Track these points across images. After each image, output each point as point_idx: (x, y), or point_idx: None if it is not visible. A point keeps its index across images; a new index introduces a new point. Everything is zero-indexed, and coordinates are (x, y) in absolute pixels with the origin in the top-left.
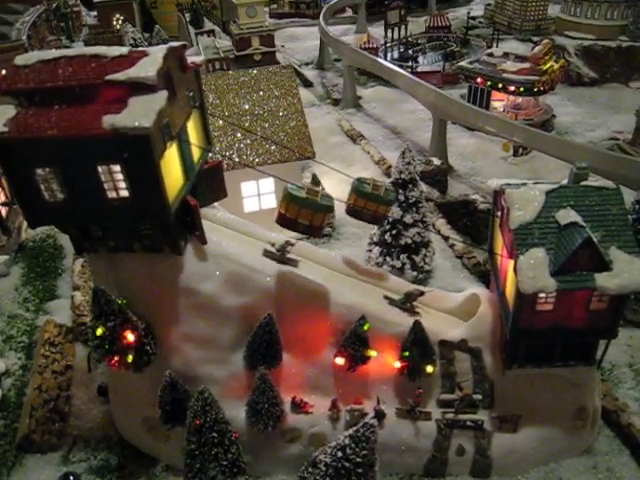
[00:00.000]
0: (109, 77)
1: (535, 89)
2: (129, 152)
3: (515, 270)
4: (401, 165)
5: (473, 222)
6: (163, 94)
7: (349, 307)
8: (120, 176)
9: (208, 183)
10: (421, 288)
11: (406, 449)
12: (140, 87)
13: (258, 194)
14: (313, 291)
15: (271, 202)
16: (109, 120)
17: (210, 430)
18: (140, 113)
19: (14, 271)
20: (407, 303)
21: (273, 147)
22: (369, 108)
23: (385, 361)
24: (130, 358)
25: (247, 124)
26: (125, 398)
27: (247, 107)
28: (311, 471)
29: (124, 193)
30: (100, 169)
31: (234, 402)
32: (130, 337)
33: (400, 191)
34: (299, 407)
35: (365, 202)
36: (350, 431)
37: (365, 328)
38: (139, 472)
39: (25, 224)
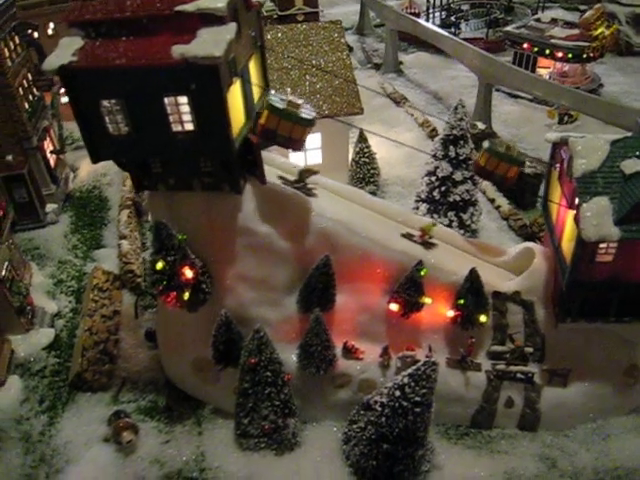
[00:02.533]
0: (178, 8)
1: (584, 55)
2: (197, 83)
3: (576, 219)
4: (453, 121)
5: (518, 186)
6: (232, 26)
7: (403, 253)
8: (186, 108)
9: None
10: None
11: (455, 399)
12: (209, 19)
13: (304, 149)
14: (368, 237)
15: (317, 158)
16: (178, 50)
17: (264, 369)
18: (210, 43)
19: (62, 219)
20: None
21: (321, 102)
22: (410, 74)
23: (437, 310)
24: (186, 295)
25: (295, 78)
26: (175, 340)
27: (296, 62)
28: (363, 413)
29: (189, 126)
30: (166, 101)
31: (286, 345)
32: (188, 273)
33: (451, 147)
34: (350, 353)
35: (497, 163)
36: (410, 370)
37: (422, 273)
38: (187, 414)
39: (72, 175)
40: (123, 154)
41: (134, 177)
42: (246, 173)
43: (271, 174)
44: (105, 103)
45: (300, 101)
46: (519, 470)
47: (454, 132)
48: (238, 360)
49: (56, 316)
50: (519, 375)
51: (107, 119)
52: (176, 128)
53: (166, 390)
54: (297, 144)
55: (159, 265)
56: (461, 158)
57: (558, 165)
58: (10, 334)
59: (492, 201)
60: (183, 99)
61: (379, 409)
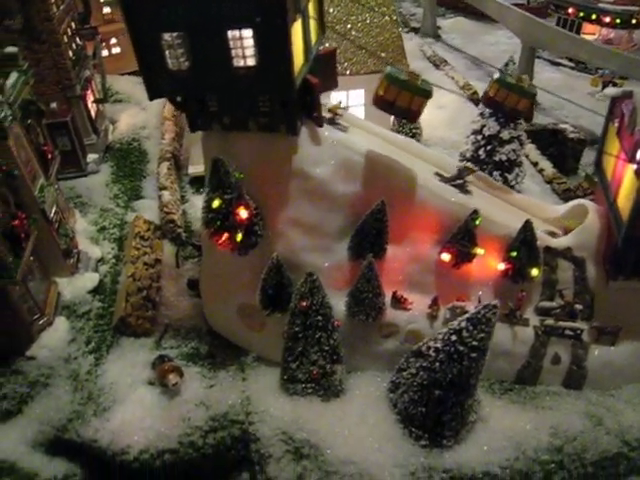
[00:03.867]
0: None
1: (633, 21)
2: (262, 16)
3: (638, 172)
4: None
5: (560, 151)
6: None
7: (458, 204)
8: (249, 42)
9: (321, 70)
10: (471, 166)
11: (501, 353)
12: None
13: (347, 106)
14: (423, 185)
15: (360, 115)
16: None
17: (316, 313)
18: None
19: (103, 169)
20: (459, 179)
21: (367, 57)
22: (448, 39)
23: (487, 263)
24: (239, 237)
25: (341, 33)
26: (220, 287)
27: (341, 15)
28: (414, 360)
29: (251, 62)
30: (230, 35)
31: (335, 293)
32: (243, 214)
33: None
34: (399, 302)
35: (507, 94)
36: (468, 314)
37: (477, 223)
38: (230, 361)
39: (111, 128)
40: (181, 91)
41: (189, 116)
42: (303, 115)
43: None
44: (166, 37)
45: (418, 73)
46: (564, 426)
47: None
48: (286, 306)
49: (99, 262)
50: (567, 332)
51: (167, 53)
52: (238, 63)
53: (208, 338)
54: (415, 115)
55: (216, 203)
56: None
57: (617, 120)
58: (57, 276)
59: (535, 164)
60: (247, 33)
61: (433, 354)
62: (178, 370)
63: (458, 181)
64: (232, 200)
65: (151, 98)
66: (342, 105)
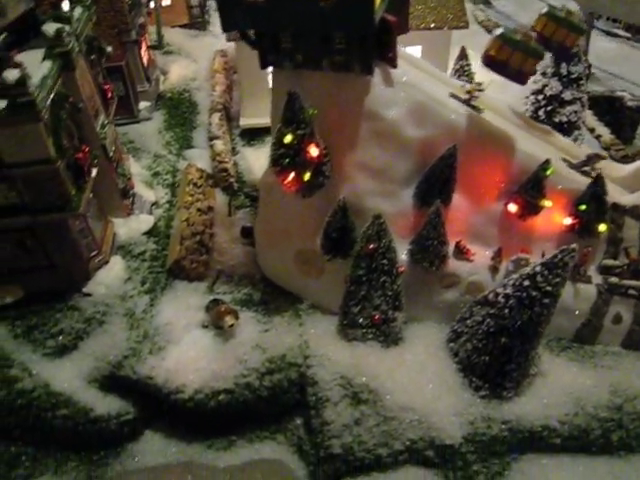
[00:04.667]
0: None
1: None
2: None
3: None
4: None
5: (617, 119)
6: None
7: (529, 155)
8: None
9: (396, 12)
10: (602, 152)
11: (562, 310)
12: None
13: None
14: (495, 134)
15: None
16: None
17: (382, 256)
18: None
19: (155, 117)
20: (586, 166)
21: (427, 12)
22: (499, 5)
23: (552, 217)
24: (307, 176)
25: None
26: (276, 232)
27: None
28: (480, 308)
29: None
30: None
31: (398, 240)
32: (314, 152)
33: (563, 65)
34: (462, 253)
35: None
36: (544, 259)
37: (547, 173)
38: (284, 307)
39: (162, 78)
40: (255, 25)
41: (261, 52)
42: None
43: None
44: None
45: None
46: (624, 385)
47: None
48: (348, 251)
49: (154, 205)
50: (631, 291)
51: None
52: None
53: (261, 285)
54: (526, 77)
55: (288, 138)
56: (573, 76)
57: None
58: (113, 216)
59: (592, 130)
60: None
61: (502, 300)
62: (234, 312)
63: (585, 168)
64: (304, 136)
65: (225, 30)
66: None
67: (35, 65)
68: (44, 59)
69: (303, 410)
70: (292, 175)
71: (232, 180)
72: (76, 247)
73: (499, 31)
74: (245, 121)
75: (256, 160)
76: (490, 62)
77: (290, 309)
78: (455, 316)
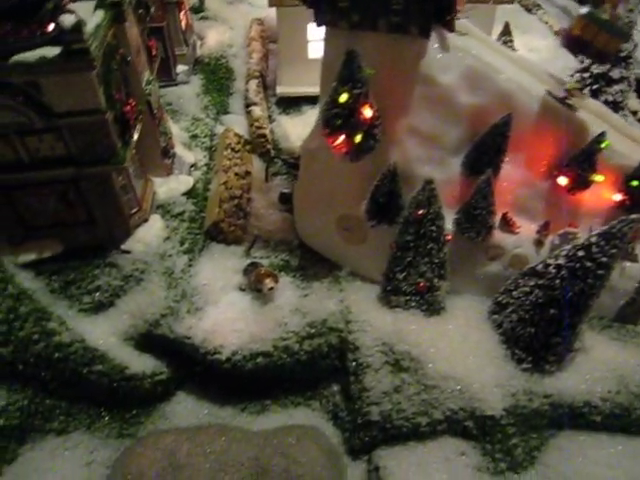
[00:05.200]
0: None
1: None
2: None
3: None
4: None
5: None
6: None
7: (580, 127)
8: None
9: None
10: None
11: (605, 288)
12: None
13: None
14: (548, 104)
15: None
16: None
17: (431, 223)
18: None
19: (193, 81)
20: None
21: None
22: None
23: (601, 193)
24: (358, 138)
25: None
26: (318, 198)
27: None
28: (526, 279)
29: None
30: None
31: (444, 209)
32: (368, 113)
33: None
34: (507, 225)
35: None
36: (601, 230)
37: (602, 146)
38: (323, 274)
39: (199, 43)
40: None
41: (316, 11)
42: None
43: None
44: None
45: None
46: None
47: (619, 24)
48: (394, 218)
49: (192, 167)
50: None
51: None
52: None
53: (299, 251)
54: (607, 58)
55: (343, 97)
56: (623, 54)
57: None
58: (153, 175)
59: (634, 113)
60: None
61: (553, 271)
62: (274, 276)
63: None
64: (360, 96)
65: None
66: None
67: (87, 15)
68: (96, 9)
69: (341, 377)
70: (342, 137)
71: (269, 147)
72: (118, 202)
73: (585, 10)
74: (282, 89)
75: (293, 128)
76: (572, 42)
77: (329, 276)
78: (495, 290)
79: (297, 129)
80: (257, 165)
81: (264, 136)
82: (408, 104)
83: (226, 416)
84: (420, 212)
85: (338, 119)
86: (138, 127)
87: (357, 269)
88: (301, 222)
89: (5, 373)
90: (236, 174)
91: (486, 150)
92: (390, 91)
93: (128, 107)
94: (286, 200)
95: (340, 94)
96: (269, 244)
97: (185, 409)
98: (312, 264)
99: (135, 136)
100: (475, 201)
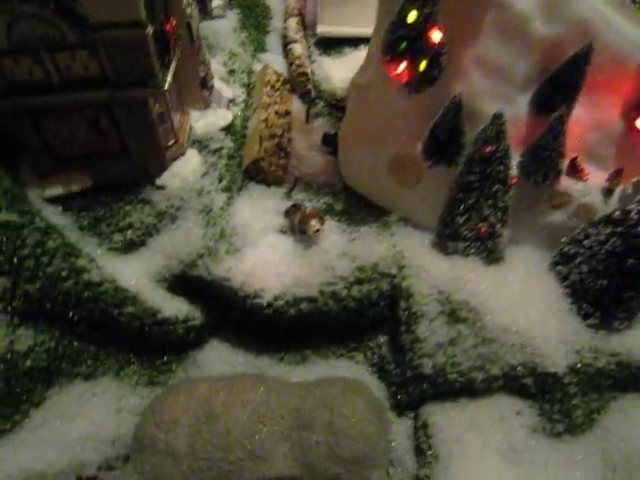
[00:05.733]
0: None
1: None
2: None
3: None
4: None
5: None
6: None
7: None
8: None
9: None
10: None
11: None
12: None
13: None
14: (630, 40)
15: None
16: None
17: (498, 162)
18: None
19: (229, 16)
20: None
21: None
22: None
23: None
24: (423, 65)
25: None
26: (367, 137)
27: None
28: (594, 231)
29: None
30: None
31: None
32: (436, 36)
33: None
34: (576, 171)
35: None
36: None
37: None
38: (370, 218)
39: None
40: None
41: None
42: None
43: None
44: None
45: None
46: None
47: None
48: (454, 157)
49: (231, 102)
50: None
51: None
52: None
53: (343, 195)
54: None
55: (412, 16)
56: None
57: None
58: (191, 107)
59: None
60: None
61: (635, 217)
62: (320, 217)
63: None
64: (430, 16)
65: None
66: None
67: None
68: None
69: (389, 327)
70: (404, 64)
71: (310, 87)
72: (154, 132)
73: None
74: (323, 28)
75: (334, 70)
76: None
77: (378, 221)
78: (556, 241)
79: (339, 71)
80: (297, 106)
81: (305, 74)
82: (477, 30)
83: (262, 366)
84: (488, 149)
85: (403, 42)
86: (177, 52)
87: (408, 214)
88: (347, 164)
89: (32, 312)
90: (276, 112)
91: (560, 85)
92: (459, 14)
93: (168, 26)
94: (330, 142)
95: (409, 12)
96: (311, 187)
97: (219, 357)
98: (358, 209)
99: (174, 60)
100: (545, 141)
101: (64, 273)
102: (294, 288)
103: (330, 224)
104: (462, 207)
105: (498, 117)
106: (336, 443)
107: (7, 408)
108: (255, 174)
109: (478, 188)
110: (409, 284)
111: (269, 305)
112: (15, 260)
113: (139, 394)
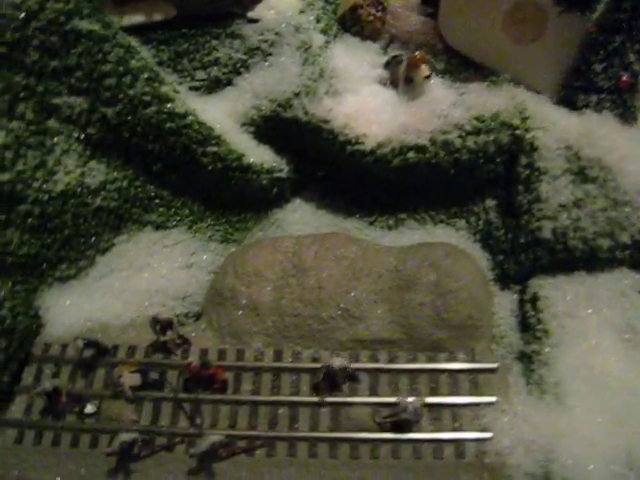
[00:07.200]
0: None
1: None
2: None
3: None
4: None
5: None
6: None
7: None
8: None
9: None
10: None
11: None
12: None
13: None
14: None
15: None
16: None
17: None
18: None
19: None
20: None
21: None
22: None
23: None
24: None
25: None
26: None
27: None
28: None
29: None
30: None
31: None
32: None
33: None
34: None
35: None
36: None
37: None
38: (474, 78)
39: None
40: None
41: None
42: None
43: None
44: None
45: None
46: None
47: None
48: (592, 2)
49: None
50: None
51: None
52: None
53: (444, 56)
54: None
55: None
56: None
57: None
58: None
59: None
60: None
61: None
62: (430, 62)
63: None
64: None
65: None
66: None
67: None
68: None
69: (501, 189)
70: None
71: None
72: None
73: None
74: None
75: None
76: None
77: (485, 80)
78: None
79: None
80: None
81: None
82: None
83: (351, 229)
84: None
85: None
86: None
87: (522, 75)
88: (450, 20)
89: (107, 142)
90: None
91: None
92: None
93: None
94: (430, 1)
95: None
96: (408, 47)
97: (302, 218)
98: (461, 69)
99: None
100: None
101: (146, 98)
102: (402, 135)
103: (435, 80)
104: (602, 52)
105: None
106: (443, 305)
107: (73, 252)
108: (352, 23)
109: (627, 29)
110: (533, 136)
111: (372, 152)
112: (95, 76)
113: (213, 250)
